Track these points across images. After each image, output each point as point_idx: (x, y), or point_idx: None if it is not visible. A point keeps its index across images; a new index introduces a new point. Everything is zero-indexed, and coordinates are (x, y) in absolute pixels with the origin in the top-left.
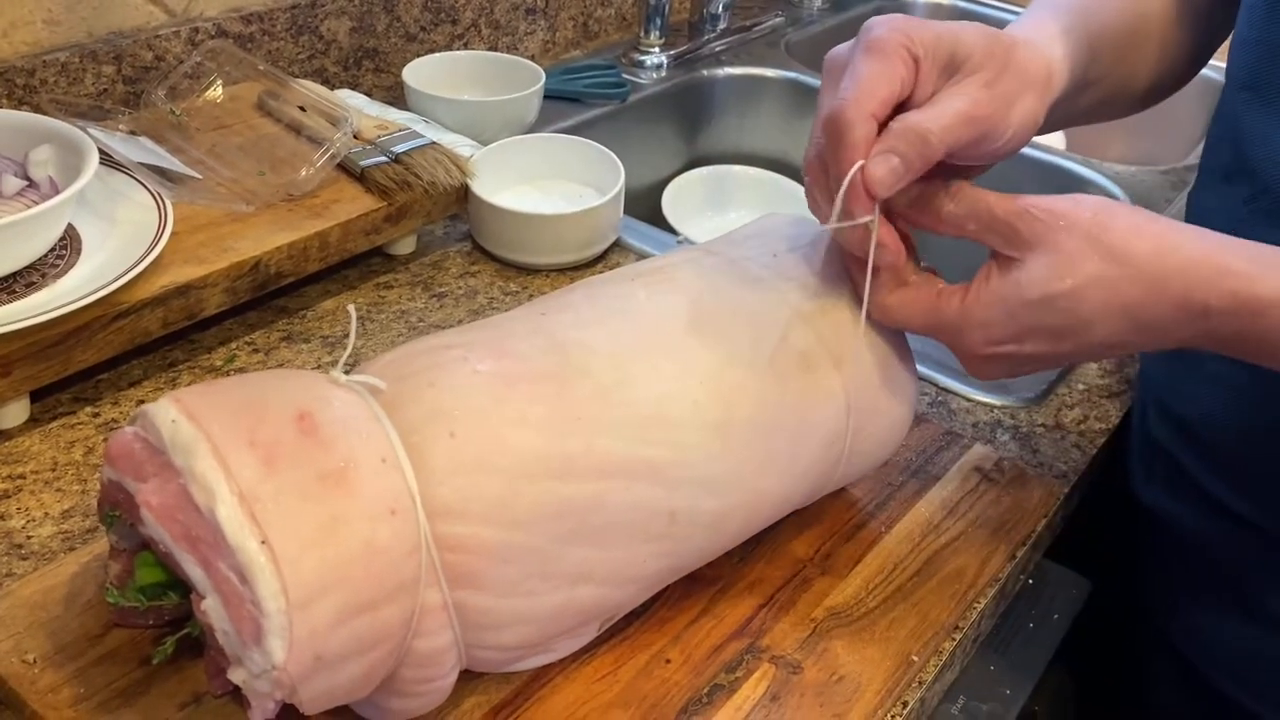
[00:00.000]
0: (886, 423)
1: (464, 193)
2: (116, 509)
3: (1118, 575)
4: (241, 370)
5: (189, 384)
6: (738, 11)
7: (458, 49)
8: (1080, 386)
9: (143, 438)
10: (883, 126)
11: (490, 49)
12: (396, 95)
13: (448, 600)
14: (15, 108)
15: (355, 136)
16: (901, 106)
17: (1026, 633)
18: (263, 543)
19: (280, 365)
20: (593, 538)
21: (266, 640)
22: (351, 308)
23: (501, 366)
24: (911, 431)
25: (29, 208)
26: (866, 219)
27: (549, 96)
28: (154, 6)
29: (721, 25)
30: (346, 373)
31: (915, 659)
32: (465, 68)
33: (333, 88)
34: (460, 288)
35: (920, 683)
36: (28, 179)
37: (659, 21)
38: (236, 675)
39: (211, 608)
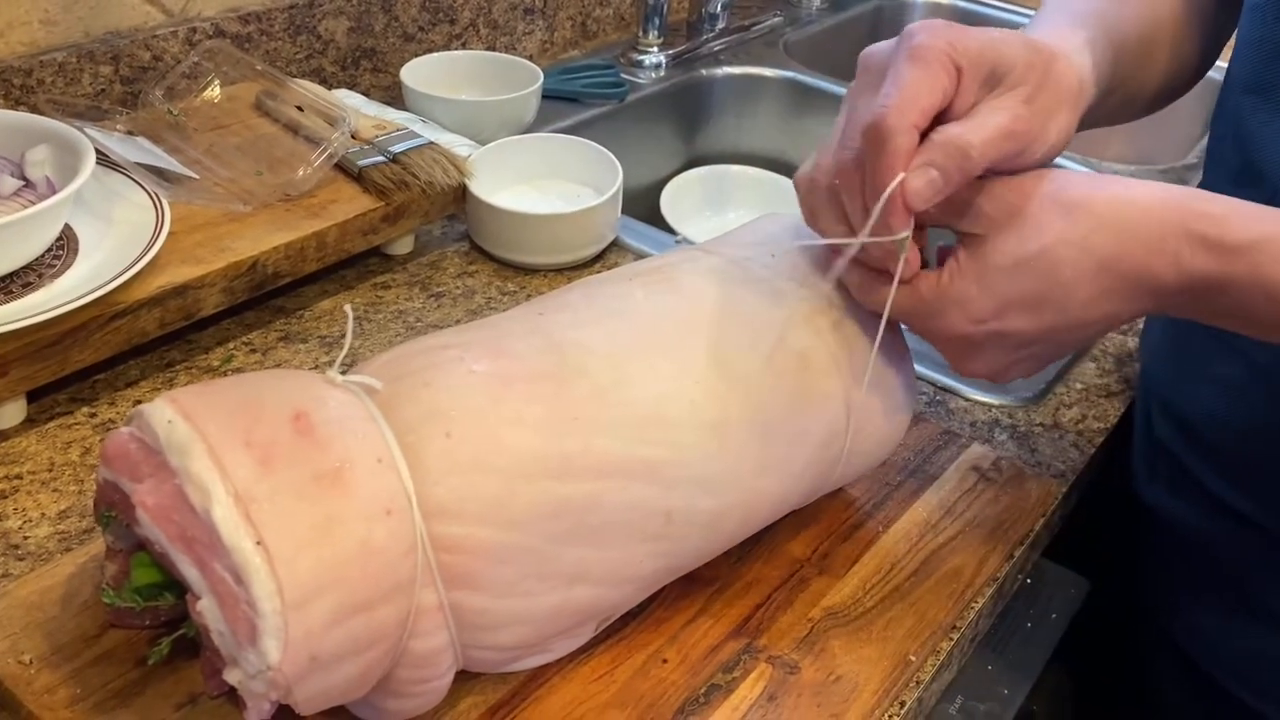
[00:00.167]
0: (884, 423)
1: (462, 193)
2: (112, 509)
3: (1117, 575)
4: (239, 370)
5: (186, 384)
6: (736, 11)
7: (456, 49)
8: (1078, 386)
9: (139, 438)
10: (923, 137)
11: (488, 49)
12: (394, 95)
13: (444, 601)
14: (12, 108)
15: (353, 136)
16: (940, 116)
17: (1024, 632)
18: (258, 543)
19: (278, 365)
20: (589, 538)
21: (262, 641)
22: (348, 308)
23: (498, 366)
24: (909, 431)
25: (26, 208)
26: (901, 235)
27: (547, 96)
28: (151, 6)
29: (720, 25)
30: (343, 373)
31: (913, 659)
32: (463, 67)
33: (330, 88)
34: (458, 288)
35: (918, 682)
36: (24, 179)
37: (657, 21)
38: (232, 676)
39: (207, 608)
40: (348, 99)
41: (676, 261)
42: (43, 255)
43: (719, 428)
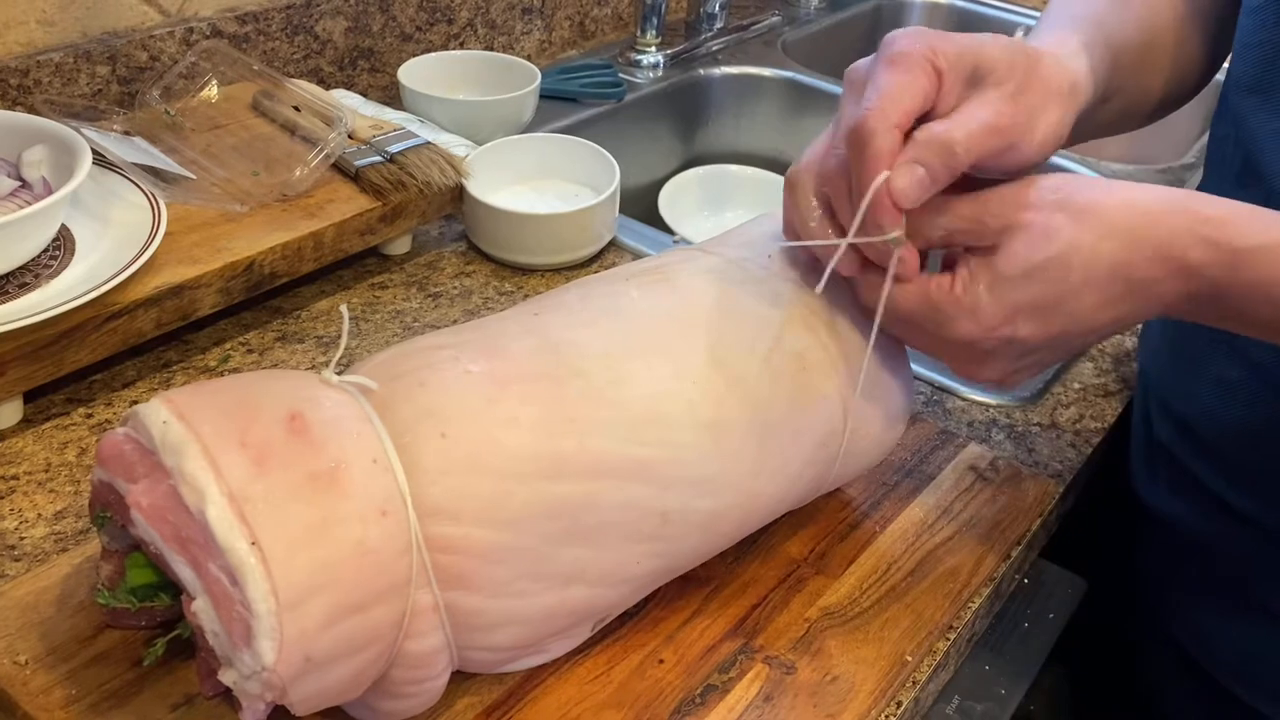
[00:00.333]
0: (882, 423)
1: (459, 193)
2: (108, 510)
3: (1116, 575)
4: (236, 371)
5: (183, 385)
6: (734, 11)
7: (454, 49)
8: (1076, 386)
9: (134, 439)
10: (907, 138)
11: (486, 49)
12: (392, 95)
13: (439, 601)
14: (9, 108)
15: (350, 136)
16: (925, 119)
17: (1022, 632)
18: (253, 544)
19: (275, 366)
20: (585, 538)
21: (256, 641)
22: (344, 308)
23: (493, 367)
24: (906, 431)
25: (22, 208)
26: (891, 235)
27: (545, 96)
28: (148, 7)
29: (718, 25)
30: (339, 373)
31: (909, 659)
32: (461, 67)
33: (328, 88)
34: (455, 288)
35: (914, 683)
36: (20, 180)
37: (655, 21)
38: (227, 677)
39: (202, 609)
40: (345, 99)
41: (673, 261)
42: (39, 256)
43: (715, 428)
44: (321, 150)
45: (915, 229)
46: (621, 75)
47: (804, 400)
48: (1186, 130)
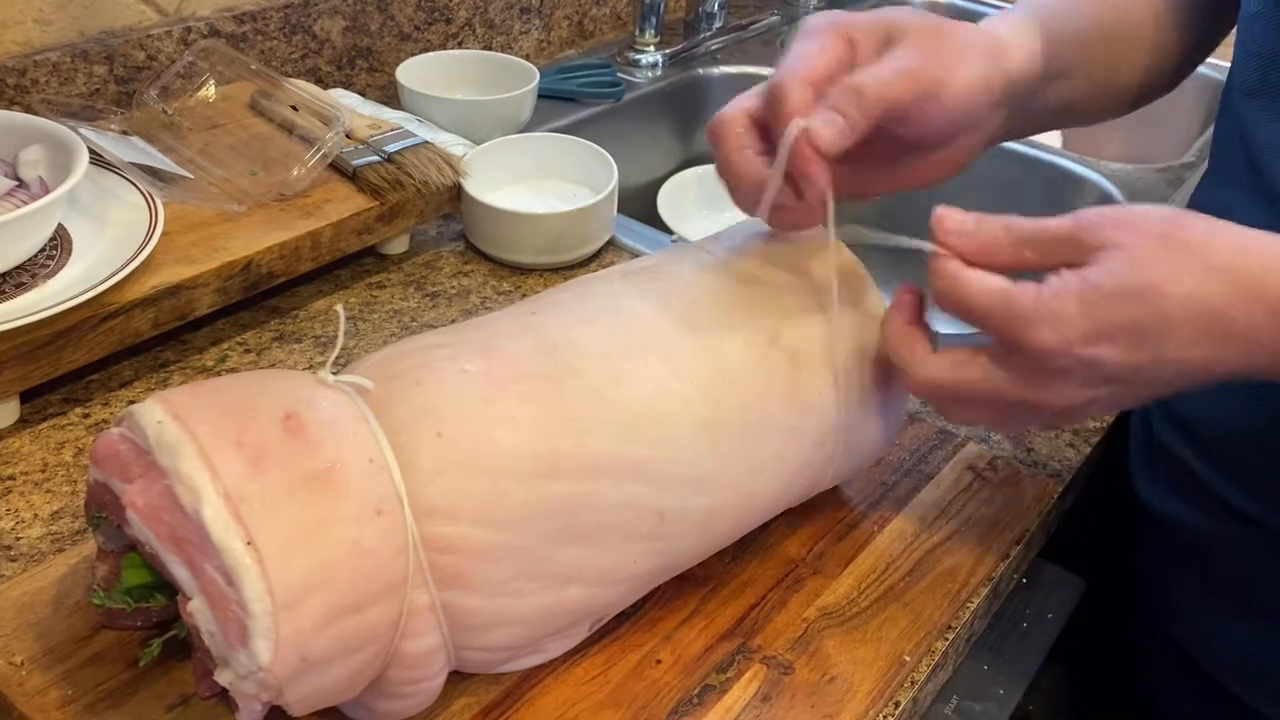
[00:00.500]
0: (879, 421)
1: (457, 192)
2: (103, 510)
3: (1115, 575)
4: (233, 371)
5: (180, 385)
6: (733, 10)
7: (452, 48)
8: None
9: (129, 439)
10: None
11: (485, 48)
12: (390, 95)
13: (436, 601)
14: (6, 108)
15: (348, 136)
16: None
17: (1020, 632)
18: (248, 543)
19: (272, 365)
20: (582, 537)
21: (252, 641)
22: (339, 308)
23: (490, 366)
24: (905, 430)
25: (18, 208)
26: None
27: (544, 96)
28: (146, 6)
29: (717, 24)
30: (336, 373)
31: (908, 659)
32: (459, 67)
33: (326, 87)
34: (453, 287)
35: (913, 683)
36: (17, 179)
37: (654, 20)
38: (223, 677)
39: (198, 609)
40: (343, 98)
41: (669, 260)
42: (36, 255)
43: (712, 427)
44: (319, 150)
45: (1009, 249)
46: (620, 75)
47: (800, 398)
48: (1186, 130)
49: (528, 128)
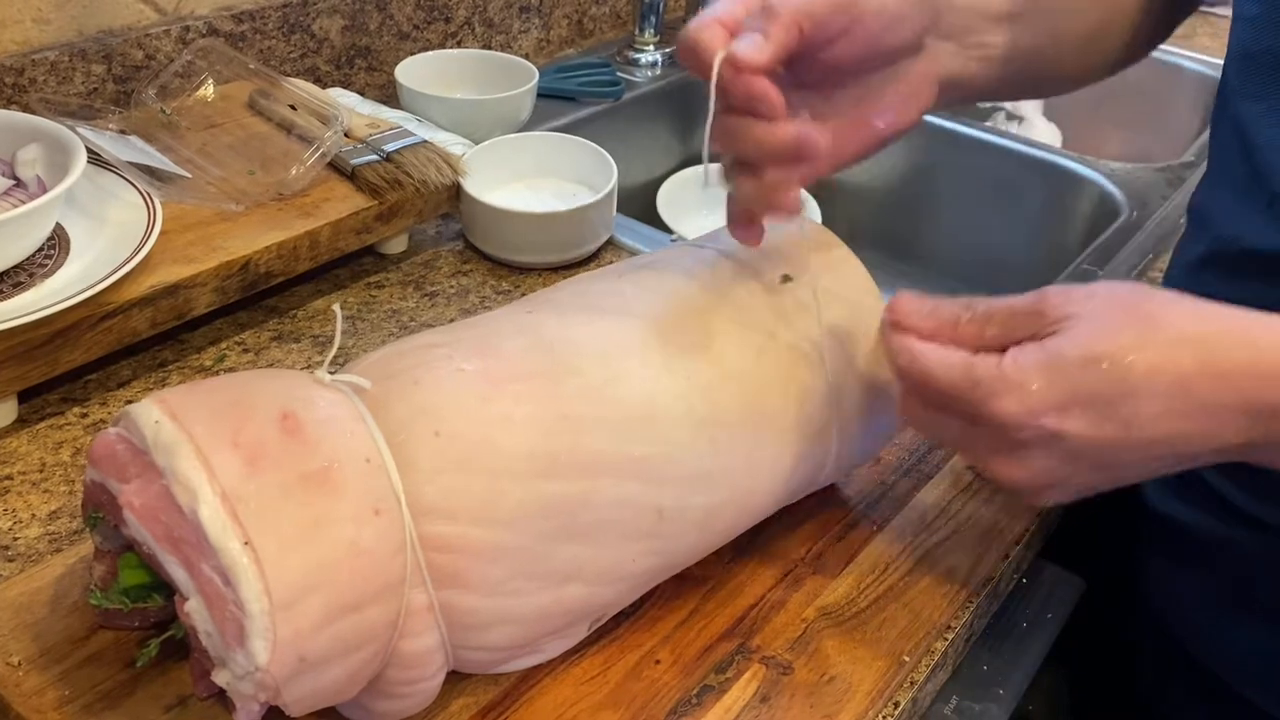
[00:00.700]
0: (877, 418)
1: (456, 191)
2: (100, 510)
3: (1116, 575)
4: (231, 370)
5: (178, 384)
6: None
7: (451, 47)
8: None
9: (126, 439)
10: None
11: (484, 47)
12: (389, 94)
13: (434, 601)
14: (4, 107)
15: (346, 135)
16: None
17: (1020, 632)
18: (245, 543)
19: (271, 365)
20: (581, 536)
21: (250, 642)
22: (337, 307)
23: (487, 365)
24: (903, 429)
25: (16, 207)
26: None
27: (543, 95)
28: (144, 5)
29: None
30: (333, 373)
31: (907, 659)
32: (458, 66)
33: (325, 86)
34: (452, 287)
35: (912, 683)
36: (15, 178)
37: (654, 19)
38: (221, 677)
39: (195, 609)
40: (342, 98)
41: (666, 258)
42: (34, 255)
43: (710, 424)
44: (318, 149)
45: (970, 331)
46: (619, 74)
47: (797, 395)
48: (1186, 129)
49: (527, 127)
